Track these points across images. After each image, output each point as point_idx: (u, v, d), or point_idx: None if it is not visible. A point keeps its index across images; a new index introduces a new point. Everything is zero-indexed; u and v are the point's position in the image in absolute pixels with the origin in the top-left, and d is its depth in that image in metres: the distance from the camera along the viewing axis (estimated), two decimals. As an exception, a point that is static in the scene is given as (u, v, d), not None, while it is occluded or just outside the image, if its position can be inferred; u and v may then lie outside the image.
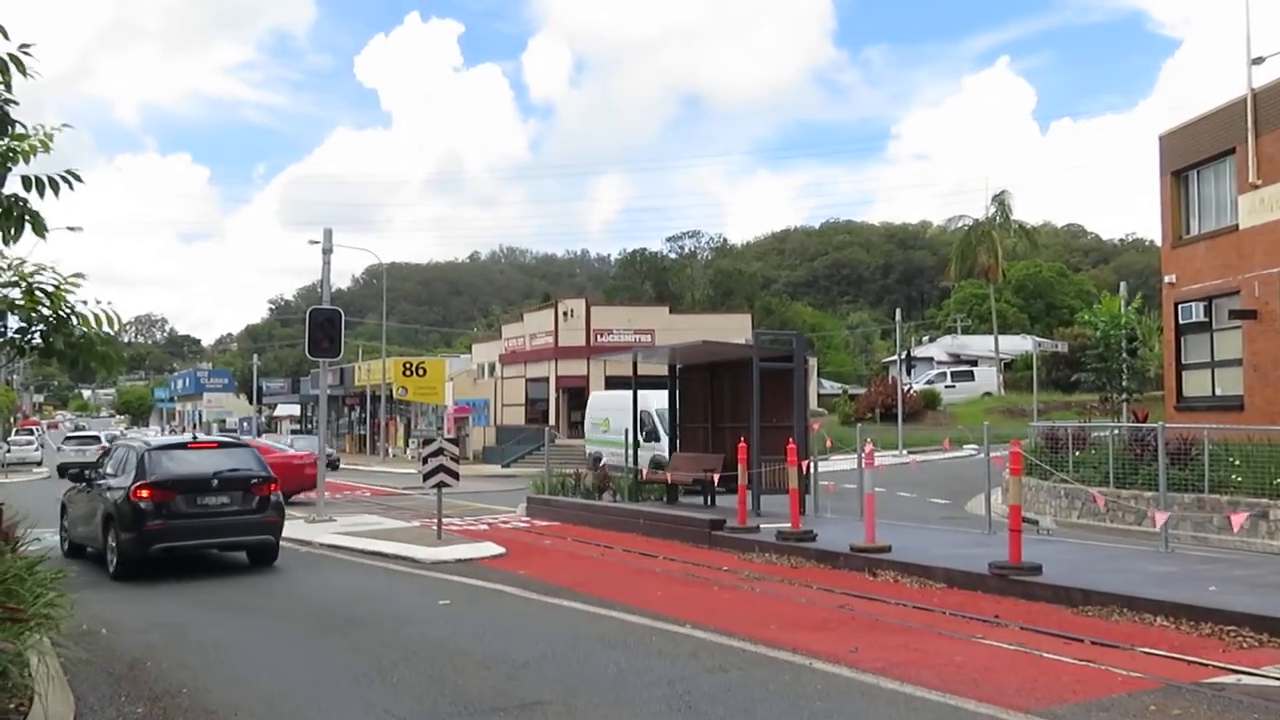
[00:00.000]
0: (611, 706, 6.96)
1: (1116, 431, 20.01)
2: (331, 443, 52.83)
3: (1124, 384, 28.57)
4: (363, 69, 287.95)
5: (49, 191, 7.14)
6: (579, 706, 6.97)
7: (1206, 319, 24.31)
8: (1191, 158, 25.33)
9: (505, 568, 13.93)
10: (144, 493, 13.44)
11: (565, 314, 50.25)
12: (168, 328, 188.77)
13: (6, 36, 6.58)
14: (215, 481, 14.12)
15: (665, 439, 23.99)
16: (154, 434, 65.17)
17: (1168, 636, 8.86)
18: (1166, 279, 26.03)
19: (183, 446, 15.45)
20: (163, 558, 13.45)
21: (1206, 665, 7.78)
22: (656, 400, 27.23)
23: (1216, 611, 9.09)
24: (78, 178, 6.88)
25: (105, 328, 7.22)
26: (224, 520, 14.08)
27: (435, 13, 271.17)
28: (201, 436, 18.87)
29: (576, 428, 47.13)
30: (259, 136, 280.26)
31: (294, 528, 18.77)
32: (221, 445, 16.24)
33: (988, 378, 59.64)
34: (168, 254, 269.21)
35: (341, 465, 47.29)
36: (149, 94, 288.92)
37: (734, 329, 44.77)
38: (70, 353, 7.31)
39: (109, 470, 14.99)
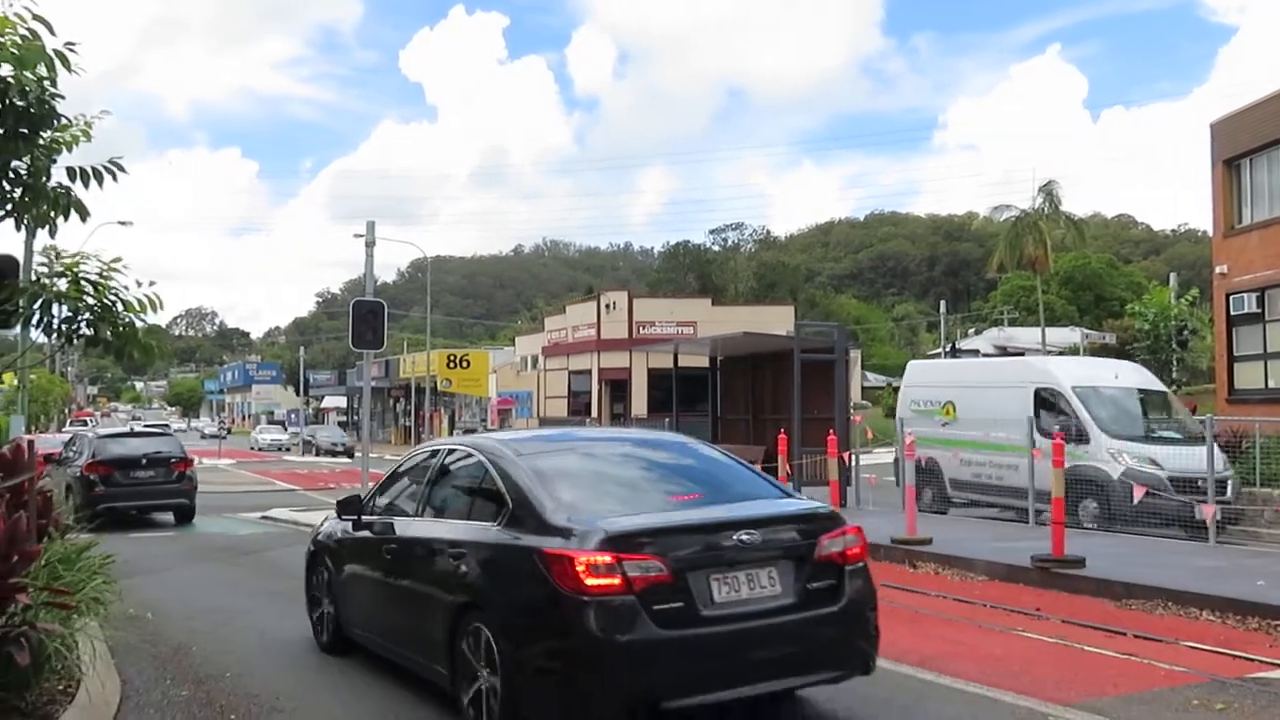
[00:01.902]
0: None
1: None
2: (376, 433, 53.88)
3: (1173, 376, 28.11)
4: (408, 63, 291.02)
5: (95, 184, 7.28)
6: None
7: (1259, 310, 23.86)
8: (1244, 146, 24.85)
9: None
10: (91, 469, 18.85)
11: (608, 306, 50.35)
12: (217, 321, 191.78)
13: (52, 32, 6.70)
14: (144, 460, 19.64)
15: (1104, 437, 15.79)
16: (146, 424, 70.54)
17: (1213, 631, 8.73)
18: (1218, 269, 25.57)
19: (124, 435, 22.14)
20: (107, 514, 16.33)
21: (1253, 660, 7.67)
22: (1071, 370, 18.11)
23: (1264, 606, 8.95)
24: (121, 168, 6.99)
25: (150, 313, 7.33)
26: (150, 488, 19.58)
27: (480, 6, 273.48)
28: (138, 428, 27.64)
29: (619, 419, 47.26)
30: (307, 131, 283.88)
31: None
32: (151, 434, 22.83)
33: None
34: (217, 248, 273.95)
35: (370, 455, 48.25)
36: (199, 90, 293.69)
37: (777, 321, 44.60)
38: (116, 342, 7.44)
39: (72, 453, 20.47)
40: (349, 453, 53.77)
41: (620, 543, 5.49)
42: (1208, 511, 12.42)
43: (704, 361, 22.72)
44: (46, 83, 7.06)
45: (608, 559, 5.42)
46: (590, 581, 5.39)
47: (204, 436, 73.75)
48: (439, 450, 7.74)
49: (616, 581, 5.40)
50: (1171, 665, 7.54)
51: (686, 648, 5.46)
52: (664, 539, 5.66)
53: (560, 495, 6.06)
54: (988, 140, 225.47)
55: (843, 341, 18.71)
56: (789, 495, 6.96)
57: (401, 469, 8.22)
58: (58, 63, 6.99)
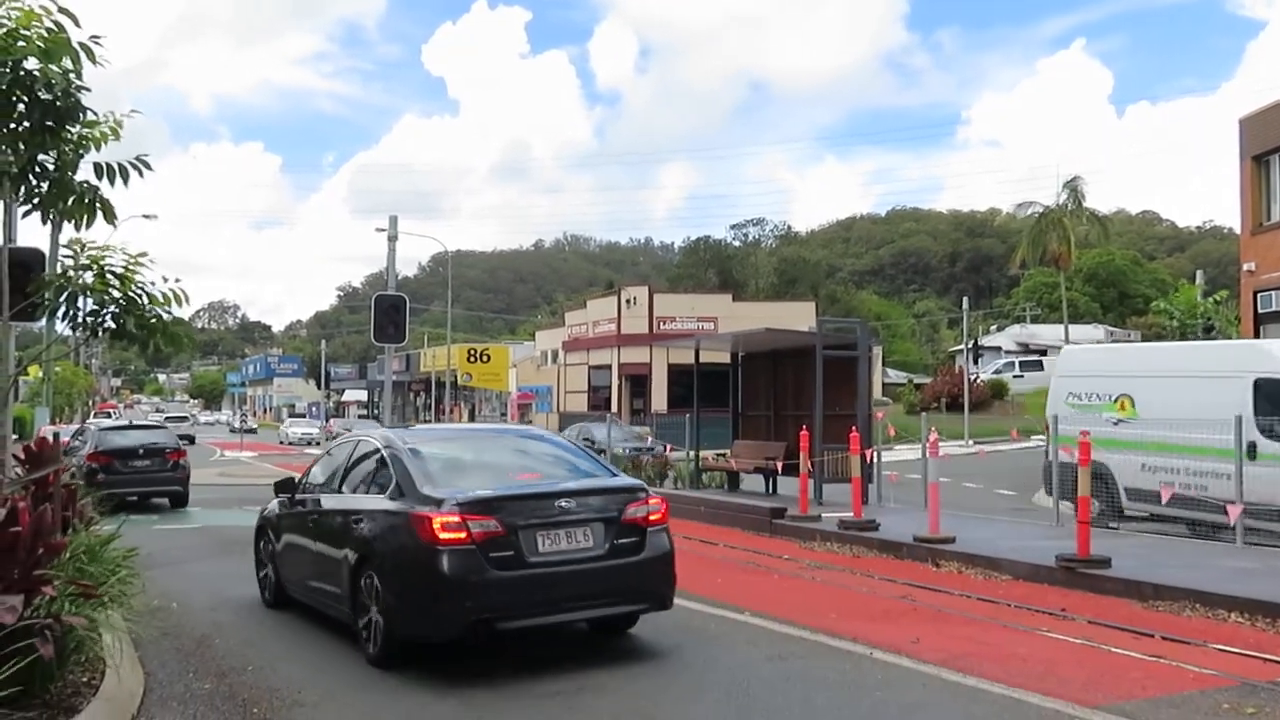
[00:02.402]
0: (666, 691, 6.95)
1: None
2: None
3: (1199, 375, 27.86)
4: (430, 58, 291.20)
5: (120, 180, 7.30)
6: (635, 691, 6.97)
7: (1287, 308, 23.63)
8: (1273, 141, 24.60)
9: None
10: (93, 458, 20.28)
11: (628, 301, 50.32)
12: (239, 314, 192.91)
13: (78, 24, 6.72)
14: (141, 450, 21.29)
15: None
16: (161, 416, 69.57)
17: (1242, 633, 8.62)
18: (1245, 267, 25.34)
19: (124, 428, 24.13)
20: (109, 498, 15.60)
21: (1283, 663, 7.55)
22: None
23: (1294, 608, 8.81)
24: (147, 165, 7.01)
25: (175, 307, 7.35)
26: (147, 476, 21.09)
27: (502, 0, 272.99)
28: (138, 421, 30.04)
29: (638, 415, 47.24)
30: (329, 125, 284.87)
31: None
32: (149, 427, 25.46)
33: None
34: (240, 242, 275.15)
35: None
36: (223, 85, 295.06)
37: (798, 317, 44.48)
38: (141, 334, 7.47)
39: (78, 443, 22.08)
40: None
41: (466, 507, 7.48)
42: (1233, 512, 12.28)
43: (725, 357, 22.63)
44: (72, 75, 7.09)
45: (456, 519, 7.42)
46: (443, 535, 7.38)
47: (233, 430, 73.35)
48: (352, 441, 9.78)
49: (462, 535, 7.38)
50: (1200, 668, 7.44)
51: (514, 585, 7.46)
52: (500, 505, 7.64)
53: (431, 474, 8.05)
54: (1011, 136, 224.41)
55: (865, 338, 18.61)
56: (613, 475, 8.95)
57: (326, 455, 10.34)
58: (83, 56, 7.01)
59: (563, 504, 7.83)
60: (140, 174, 7.00)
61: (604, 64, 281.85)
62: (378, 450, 8.73)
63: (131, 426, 24.79)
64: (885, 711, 6.47)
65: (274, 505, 10.44)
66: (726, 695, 6.85)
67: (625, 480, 8.77)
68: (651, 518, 8.14)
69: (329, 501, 9.09)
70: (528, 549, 7.54)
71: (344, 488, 9.06)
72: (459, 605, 7.34)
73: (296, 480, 10.15)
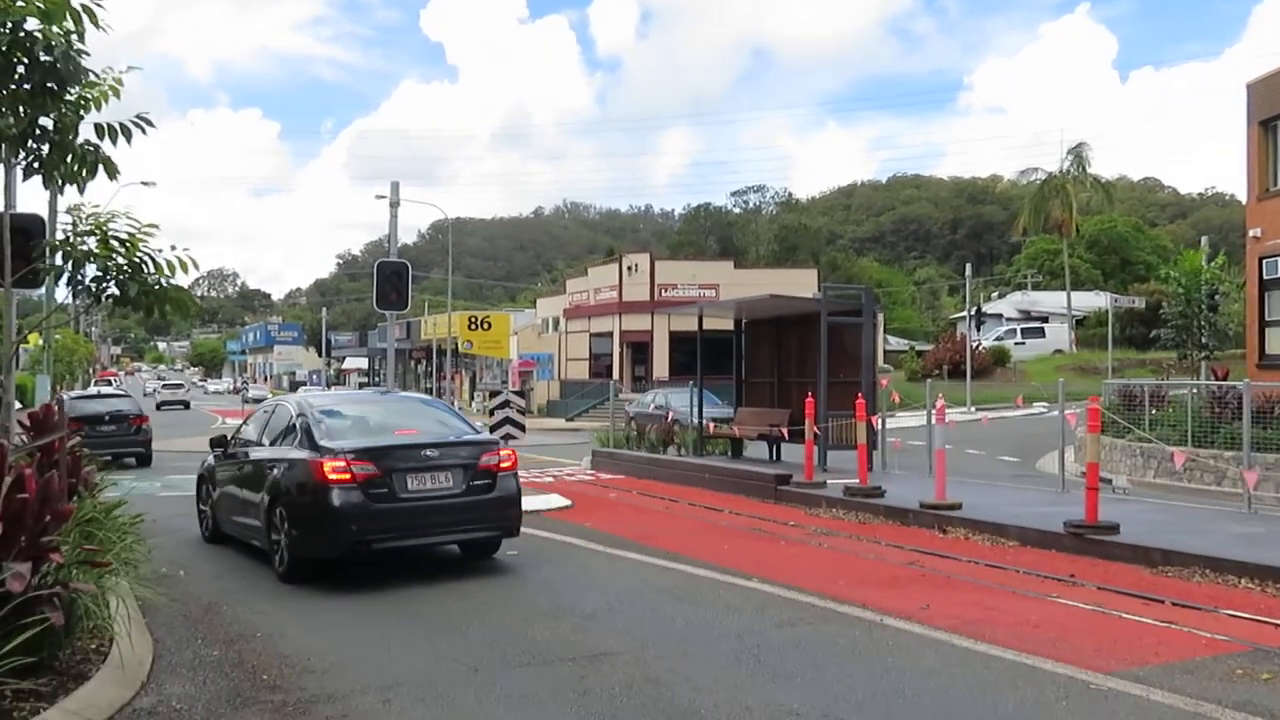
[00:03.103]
0: (680, 658, 6.92)
1: (1195, 390, 19.44)
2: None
3: (1203, 341, 27.75)
4: (429, 23, 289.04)
5: (123, 141, 7.20)
6: (647, 658, 6.93)
7: (1293, 274, 23.48)
8: (1280, 107, 24.36)
9: (571, 520, 13.97)
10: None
11: (630, 269, 50.13)
12: (239, 282, 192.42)
13: (79, -16, 6.59)
14: (108, 417, 24.28)
15: None
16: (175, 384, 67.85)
17: (1253, 599, 8.59)
18: (1251, 233, 25.15)
19: (93, 396, 27.39)
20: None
21: (1295, 629, 7.52)
22: None
23: (1305, 574, 8.78)
24: (149, 123, 6.91)
25: (180, 274, 7.26)
26: (114, 439, 23.72)
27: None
28: (105, 391, 32.52)
29: (640, 382, 47.20)
30: (328, 92, 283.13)
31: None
32: (115, 395, 28.25)
33: (1059, 335, 58.43)
34: (238, 209, 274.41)
35: None
36: (221, 51, 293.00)
37: (799, 284, 44.35)
38: (145, 300, 7.39)
39: None
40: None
41: (351, 455, 9.59)
42: (1250, 478, 12.24)
43: (727, 325, 22.55)
44: (74, 37, 6.97)
45: (342, 464, 9.52)
46: (332, 476, 9.47)
47: (246, 401, 71.49)
48: (274, 405, 11.93)
49: (347, 476, 9.48)
50: (1212, 634, 7.41)
51: (388, 514, 9.59)
52: (377, 453, 9.76)
53: (329, 430, 10.18)
54: (1014, 102, 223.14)
55: (870, 304, 18.51)
56: (475, 432, 11.03)
57: (253, 415, 12.37)
58: (85, 18, 6.88)
59: (428, 453, 9.97)
60: (143, 131, 6.90)
61: (604, 29, 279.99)
62: (291, 413, 10.81)
63: (100, 396, 28.34)
64: (898, 678, 6.43)
65: (210, 459, 12.50)
66: (737, 661, 6.83)
67: (483, 436, 10.98)
68: (502, 465, 10.33)
69: (254, 453, 11.12)
70: (399, 487, 9.66)
71: (265, 441, 11.10)
72: (345, 530, 9.43)
73: (228, 438, 12.26)
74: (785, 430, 18.22)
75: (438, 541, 10.39)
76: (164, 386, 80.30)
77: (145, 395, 66.89)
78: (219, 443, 12.25)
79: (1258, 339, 24.54)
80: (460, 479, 9.98)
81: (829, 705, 5.90)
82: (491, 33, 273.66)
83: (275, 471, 10.27)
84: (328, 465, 9.48)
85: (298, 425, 10.48)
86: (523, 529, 11.98)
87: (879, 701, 6.00)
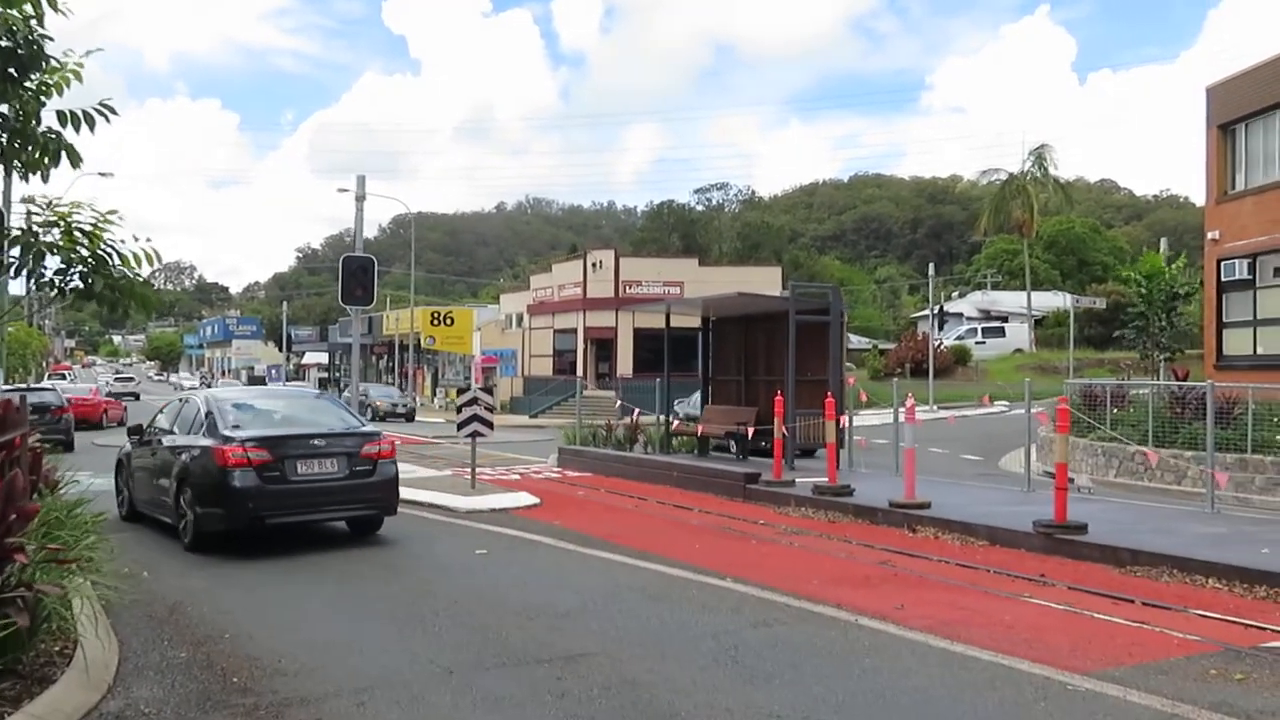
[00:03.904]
0: (657, 659, 6.86)
1: (1156, 390, 19.67)
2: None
3: (1162, 342, 28.12)
4: (391, 15, 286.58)
5: (85, 126, 6.99)
6: (624, 659, 6.87)
7: (1250, 276, 23.83)
8: (1239, 110, 24.70)
9: (540, 518, 13.87)
10: None
11: (594, 265, 49.97)
12: (196, 275, 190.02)
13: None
14: (31, 409, 23.79)
15: None
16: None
17: (1221, 599, 8.68)
18: (1209, 235, 25.50)
19: (12, 390, 25.34)
20: None
21: (1265, 629, 7.61)
22: None
23: (1272, 575, 8.89)
24: (112, 110, 6.72)
25: (145, 266, 7.08)
26: (36, 427, 27.08)
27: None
28: (34, 386, 35.14)
29: (604, 379, 47.10)
30: (289, 83, 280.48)
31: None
32: (38, 389, 31.11)
33: (1019, 334, 59.04)
34: (196, 201, 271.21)
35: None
36: (181, 40, 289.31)
37: (764, 282, 44.43)
38: (110, 294, 7.20)
39: None
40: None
41: (247, 443, 11.06)
42: (1221, 479, 12.39)
43: (692, 322, 22.56)
44: (34, 22, 6.77)
45: (240, 450, 10.98)
46: (231, 460, 10.93)
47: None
48: (185, 397, 13.32)
49: (245, 461, 10.94)
50: (1185, 634, 7.47)
51: (279, 494, 11.08)
52: (271, 441, 11.21)
53: (230, 421, 11.61)
54: (975, 103, 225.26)
55: (838, 303, 18.55)
56: (361, 424, 12.55)
57: (166, 407, 13.49)
58: (44, 2, 6.70)
59: (316, 442, 11.50)
60: (106, 119, 6.71)
61: (568, 24, 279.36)
62: (199, 406, 12.20)
63: (27, 389, 29.60)
64: (876, 679, 6.41)
65: (128, 445, 13.87)
66: (715, 662, 6.78)
67: (366, 429, 12.37)
68: (382, 454, 11.86)
69: (166, 441, 12.38)
70: (290, 471, 11.13)
71: (176, 430, 12.40)
72: (242, 507, 10.87)
73: (143, 426, 13.58)
74: (751, 429, 18.22)
75: (325, 518, 11.95)
76: (116, 379, 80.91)
77: (99, 388, 66.17)
78: (135, 431, 13.71)
79: (1215, 340, 24.89)
80: (344, 465, 11.52)
81: (809, 707, 5.87)
82: (455, 26, 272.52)
83: (184, 457, 11.66)
84: (228, 451, 10.92)
85: (204, 417, 11.91)
86: (491, 527, 11.81)
87: (859, 703, 5.98)
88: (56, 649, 6.32)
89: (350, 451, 11.60)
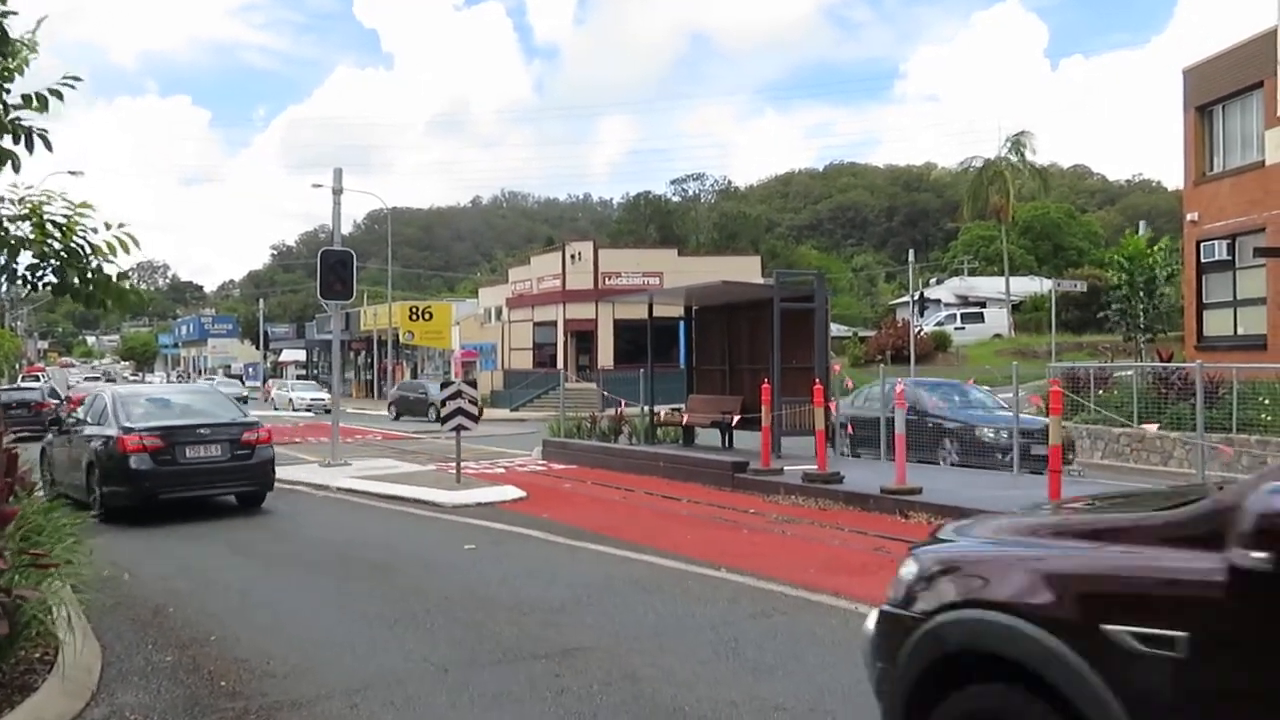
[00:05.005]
0: (656, 653, 6.73)
1: (1141, 372, 19.70)
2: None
3: (1143, 325, 28.19)
4: (363, 9, 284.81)
5: (55, 99, 6.71)
6: (622, 653, 6.73)
7: (1229, 257, 23.92)
8: (1216, 92, 24.77)
9: (528, 511, 13.70)
10: None
11: (573, 257, 49.73)
12: (169, 274, 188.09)
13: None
14: (15, 404, 28.76)
15: None
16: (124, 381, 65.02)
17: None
18: (1188, 217, 25.58)
19: (7, 389, 33.30)
20: None
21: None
22: None
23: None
24: (78, 78, 6.48)
25: (122, 254, 6.84)
26: (19, 421, 24.67)
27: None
28: (20, 385, 39.35)
29: (585, 371, 46.93)
30: (260, 79, 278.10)
31: (310, 472, 18.60)
32: (24, 389, 35.64)
33: (998, 319, 59.16)
34: (168, 198, 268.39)
35: (347, 410, 46.29)
36: (148, 37, 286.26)
37: (743, 271, 44.34)
38: (86, 289, 6.97)
39: None
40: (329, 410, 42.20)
41: (144, 432, 13.18)
42: (1226, 451, 12.35)
43: (673, 312, 22.41)
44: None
45: (137, 438, 13.07)
46: (130, 447, 13.02)
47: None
48: (96, 393, 15.75)
49: (141, 447, 13.01)
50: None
51: (171, 474, 13.22)
52: (164, 431, 13.33)
53: (131, 413, 13.75)
54: (948, 90, 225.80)
55: (822, 290, 18.43)
56: (244, 415, 14.95)
57: (85, 402, 16.02)
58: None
59: (202, 431, 13.67)
60: (73, 88, 6.46)
61: (541, 16, 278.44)
62: (107, 401, 14.22)
63: (14, 388, 35.29)
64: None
65: (50, 435, 16.06)
66: (715, 654, 6.65)
67: (247, 419, 14.64)
68: (260, 440, 14.05)
69: (81, 430, 14.40)
70: (179, 455, 13.29)
71: (89, 421, 14.40)
72: (140, 485, 12.99)
73: (62, 417, 16.18)
74: (736, 417, 18.10)
75: (211, 494, 14.08)
76: (85, 379, 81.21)
77: (69, 387, 65.26)
78: (55, 422, 16.55)
79: (1195, 321, 24.99)
80: (227, 450, 13.71)
81: (815, 697, 5.75)
82: (427, 20, 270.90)
83: (94, 444, 13.68)
84: (128, 440, 13.03)
85: (109, 410, 13.91)
86: (478, 521, 11.61)
87: (864, 690, 5.80)
88: (37, 655, 6.13)
89: (233, 438, 13.78)
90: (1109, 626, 2.93)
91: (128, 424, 13.39)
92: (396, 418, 41.67)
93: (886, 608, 3.80)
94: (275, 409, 51.04)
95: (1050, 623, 3.08)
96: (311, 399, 50.77)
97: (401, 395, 44.08)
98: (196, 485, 13.68)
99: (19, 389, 35.97)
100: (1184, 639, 2.77)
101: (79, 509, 11.78)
